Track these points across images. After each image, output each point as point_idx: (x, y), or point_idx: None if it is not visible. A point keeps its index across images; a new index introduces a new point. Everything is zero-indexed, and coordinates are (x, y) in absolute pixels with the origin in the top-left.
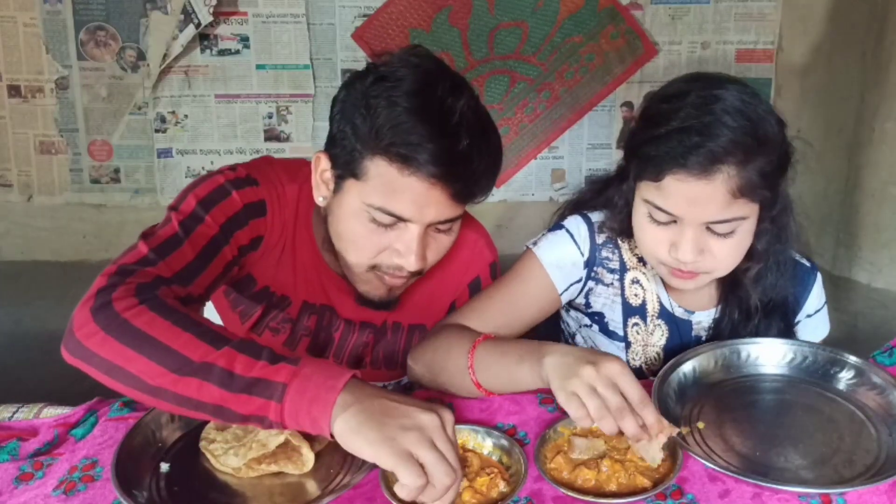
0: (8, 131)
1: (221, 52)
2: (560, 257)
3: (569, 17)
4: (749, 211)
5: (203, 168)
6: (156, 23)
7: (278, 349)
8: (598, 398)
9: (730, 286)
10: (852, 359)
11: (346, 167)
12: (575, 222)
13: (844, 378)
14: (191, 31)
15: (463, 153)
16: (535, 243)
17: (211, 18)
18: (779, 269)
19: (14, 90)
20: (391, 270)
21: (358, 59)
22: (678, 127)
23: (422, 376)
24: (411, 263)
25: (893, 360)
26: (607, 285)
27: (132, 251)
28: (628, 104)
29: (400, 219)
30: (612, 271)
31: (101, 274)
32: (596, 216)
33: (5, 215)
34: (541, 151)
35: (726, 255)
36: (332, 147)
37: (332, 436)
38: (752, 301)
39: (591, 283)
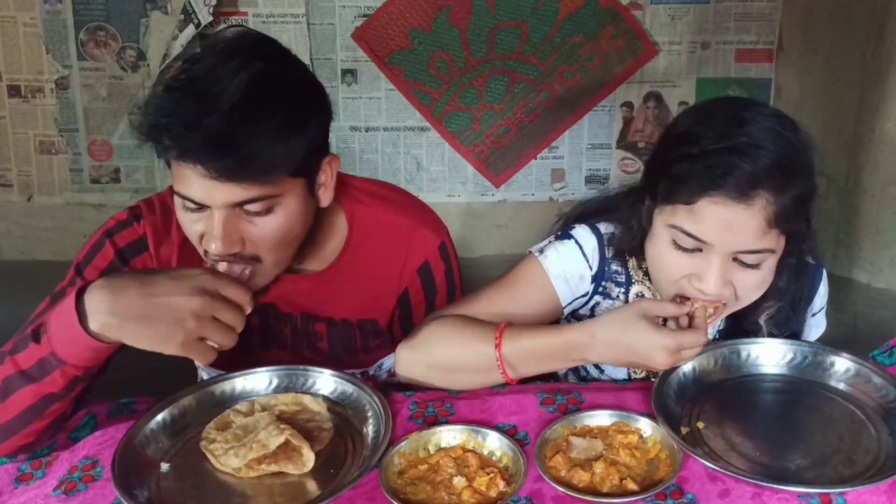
0: (8, 131)
1: None
2: (567, 270)
3: (569, 17)
4: (777, 244)
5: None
6: (156, 23)
7: (236, 356)
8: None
9: (743, 313)
10: (852, 359)
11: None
12: (584, 234)
13: (844, 378)
14: (191, 31)
15: (218, 132)
16: (541, 251)
17: (211, 18)
18: (793, 308)
19: (14, 90)
20: (214, 257)
21: (358, 59)
22: (714, 148)
23: (422, 376)
24: (215, 248)
25: (893, 360)
26: (613, 299)
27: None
28: (628, 104)
29: (195, 203)
30: (619, 285)
31: None
32: (605, 227)
33: (5, 215)
34: (541, 151)
35: (750, 289)
36: None
37: (91, 334)
38: (762, 334)
39: (597, 298)
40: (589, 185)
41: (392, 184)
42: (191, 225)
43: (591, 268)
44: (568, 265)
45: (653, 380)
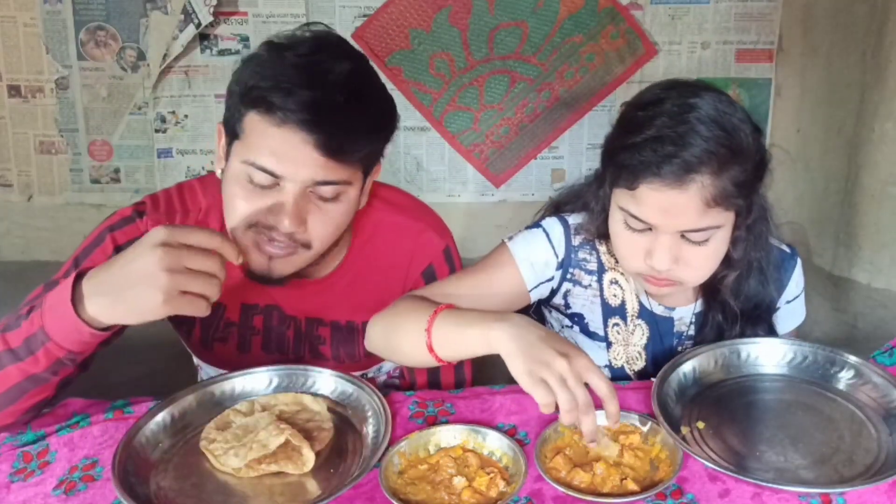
0: (8, 131)
1: (221, 52)
2: (532, 254)
3: (569, 18)
4: (723, 219)
5: (203, 168)
6: (156, 23)
7: (233, 358)
8: (569, 392)
9: (708, 288)
10: (852, 359)
11: (231, 129)
12: (551, 223)
13: (844, 378)
14: (191, 31)
15: (334, 105)
16: (510, 238)
17: (211, 18)
18: (761, 274)
19: (14, 90)
20: (268, 233)
21: None
22: (653, 136)
23: (376, 341)
24: (284, 224)
25: (893, 360)
26: (585, 287)
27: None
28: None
29: (273, 175)
30: (590, 273)
31: None
32: (573, 219)
33: (5, 215)
34: (541, 151)
35: (701, 263)
36: (225, 114)
37: (83, 318)
38: (732, 307)
39: (567, 285)
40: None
41: (395, 186)
42: (250, 198)
43: (556, 255)
44: (533, 250)
45: (652, 380)
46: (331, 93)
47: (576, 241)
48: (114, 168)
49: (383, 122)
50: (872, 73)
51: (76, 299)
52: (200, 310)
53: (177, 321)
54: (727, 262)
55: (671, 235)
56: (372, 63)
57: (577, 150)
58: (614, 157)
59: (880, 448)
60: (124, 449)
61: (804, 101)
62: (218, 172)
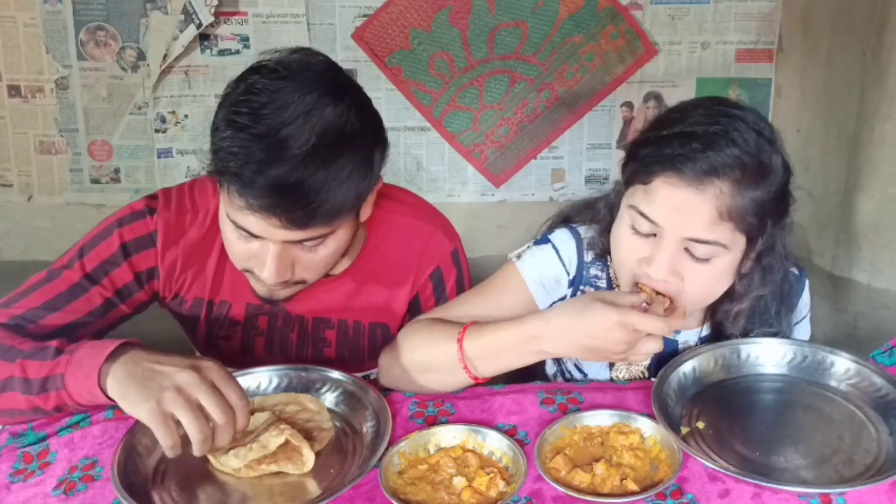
0: (8, 131)
1: (222, 52)
2: (543, 274)
3: (569, 18)
4: (731, 241)
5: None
6: (156, 23)
7: (237, 358)
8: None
9: (716, 315)
10: (852, 359)
11: (214, 169)
12: (563, 237)
13: (844, 378)
14: (192, 31)
15: (297, 184)
16: (518, 257)
17: (212, 19)
18: (767, 313)
19: (14, 90)
20: (261, 278)
21: (358, 59)
22: (683, 131)
23: (398, 380)
24: (269, 278)
25: (893, 360)
26: None
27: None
28: (628, 104)
29: (251, 234)
30: (599, 289)
31: None
32: (585, 230)
33: (5, 215)
34: (541, 151)
35: (699, 283)
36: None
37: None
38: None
39: None
40: (589, 185)
41: (404, 188)
42: (239, 246)
43: (567, 272)
44: (544, 270)
45: (653, 380)
46: (287, 168)
47: (588, 256)
48: (114, 168)
49: (362, 167)
50: (872, 73)
51: (104, 366)
52: (167, 440)
53: (182, 317)
54: (731, 294)
55: (675, 244)
56: (354, 85)
57: (577, 150)
58: (637, 151)
59: (880, 448)
60: (124, 449)
61: (804, 101)
62: None
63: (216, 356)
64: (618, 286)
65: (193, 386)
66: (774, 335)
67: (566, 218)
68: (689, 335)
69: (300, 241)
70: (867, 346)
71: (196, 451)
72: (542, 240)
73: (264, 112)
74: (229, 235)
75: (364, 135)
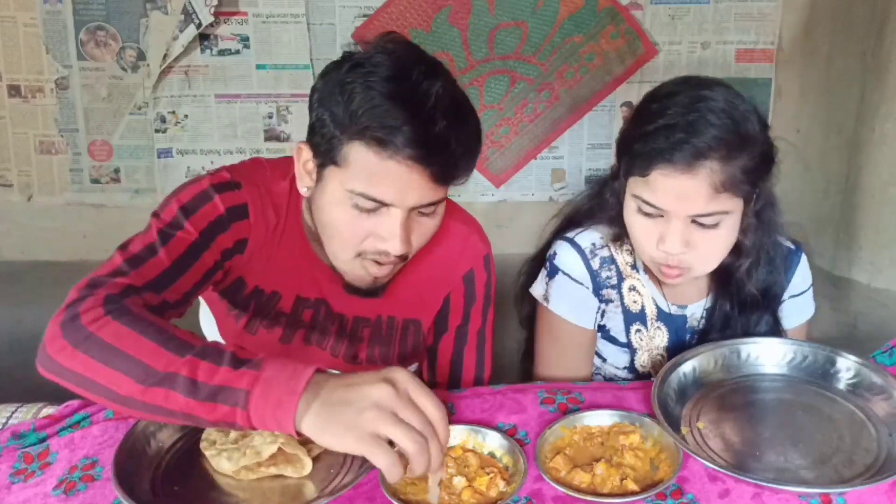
0: (8, 131)
1: (221, 52)
2: (572, 305)
3: (569, 18)
4: (732, 206)
5: (203, 168)
6: (156, 23)
7: (274, 348)
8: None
9: (721, 279)
10: (852, 359)
11: (326, 155)
12: (568, 260)
13: (844, 378)
14: (192, 31)
15: (440, 135)
16: (546, 300)
17: (212, 19)
18: (770, 262)
19: (14, 90)
20: (376, 257)
21: None
22: (665, 124)
23: None
24: (396, 248)
25: (893, 360)
26: (610, 301)
27: (107, 263)
28: (628, 104)
29: (382, 203)
30: (613, 287)
31: (74, 287)
32: (583, 239)
33: (5, 215)
34: (541, 151)
35: (711, 248)
36: (312, 136)
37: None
38: (745, 292)
39: (603, 306)
40: (589, 185)
41: None
42: (354, 223)
43: (587, 287)
44: (571, 300)
45: (652, 380)
46: (434, 123)
47: (594, 263)
48: (114, 168)
49: (479, 131)
50: (872, 74)
51: (304, 396)
52: (388, 464)
53: (232, 301)
54: (739, 250)
55: (682, 220)
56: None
57: (577, 150)
58: (628, 147)
59: (880, 448)
60: (124, 449)
61: (804, 101)
62: (302, 191)
63: (250, 343)
64: (628, 276)
65: (392, 401)
66: (770, 297)
67: (570, 220)
68: (695, 307)
69: (424, 206)
70: (867, 346)
71: (416, 467)
72: (552, 271)
73: (397, 75)
74: (345, 217)
75: (470, 104)
